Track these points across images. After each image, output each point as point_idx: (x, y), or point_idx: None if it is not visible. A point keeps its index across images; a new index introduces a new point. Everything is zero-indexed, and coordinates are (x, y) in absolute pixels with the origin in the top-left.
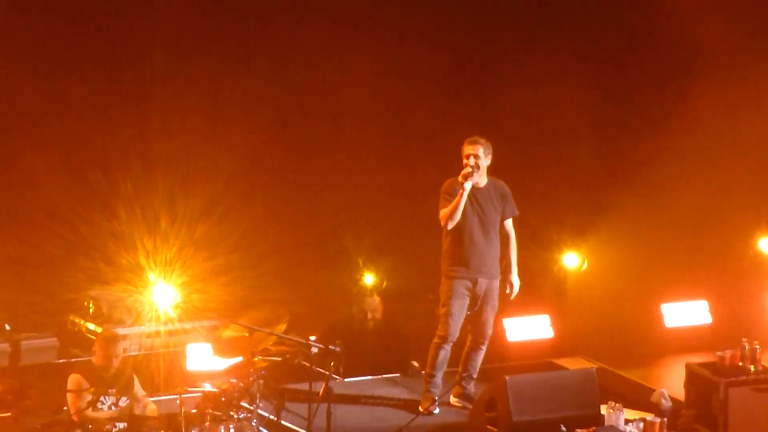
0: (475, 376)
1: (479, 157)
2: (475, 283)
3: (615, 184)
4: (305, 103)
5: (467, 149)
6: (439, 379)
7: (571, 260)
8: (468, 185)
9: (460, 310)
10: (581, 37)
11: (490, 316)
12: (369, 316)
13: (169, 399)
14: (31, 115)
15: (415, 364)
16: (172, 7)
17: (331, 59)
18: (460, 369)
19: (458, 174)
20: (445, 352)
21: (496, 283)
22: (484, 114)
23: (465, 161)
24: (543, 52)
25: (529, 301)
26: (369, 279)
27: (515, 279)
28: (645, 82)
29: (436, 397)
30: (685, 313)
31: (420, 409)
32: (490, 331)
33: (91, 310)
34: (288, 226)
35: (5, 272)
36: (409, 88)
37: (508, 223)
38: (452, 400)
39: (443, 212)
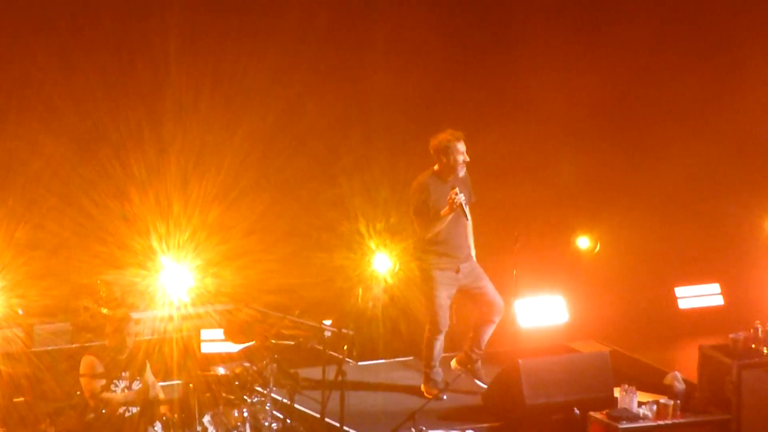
0: (482, 348)
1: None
2: (457, 270)
3: (628, 167)
4: (320, 86)
5: (460, 146)
6: (438, 368)
7: (585, 243)
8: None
9: (447, 300)
10: (595, 22)
11: (491, 289)
12: (370, 304)
13: (183, 383)
14: (44, 100)
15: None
16: None
17: (346, 42)
18: (470, 340)
19: (426, 172)
20: (440, 344)
21: (475, 261)
22: (497, 96)
23: (458, 163)
24: (556, 36)
25: (541, 283)
26: (382, 263)
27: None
28: (659, 64)
29: (439, 384)
30: (698, 296)
31: (426, 394)
32: (501, 304)
33: (104, 295)
34: (301, 210)
35: (18, 257)
36: (419, 74)
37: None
38: (453, 364)
39: (427, 227)
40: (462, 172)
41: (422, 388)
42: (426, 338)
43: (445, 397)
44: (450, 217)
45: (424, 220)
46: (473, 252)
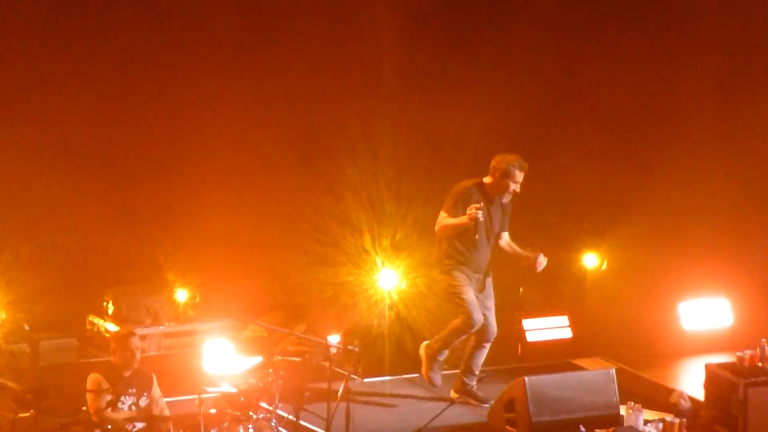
0: (477, 373)
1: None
2: (476, 280)
3: (634, 184)
4: (326, 102)
5: (519, 175)
6: (441, 360)
7: (591, 260)
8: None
9: (475, 295)
10: (607, 35)
11: (492, 314)
12: (375, 321)
13: (188, 399)
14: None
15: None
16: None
17: (351, 55)
18: (462, 366)
19: (475, 180)
20: (461, 339)
21: (490, 281)
22: (501, 114)
23: (509, 190)
24: (557, 47)
25: (548, 301)
26: (387, 279)
27: (540, 256)
28: (668, 82)
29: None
30: (705, 314)
31: (423, 376)
32: (495, 330)
33: (110, 311)
34: (306, 226)
35: (24, 272)
36: (430, 88)
37: (506, 235)
38: (452, 394)
39: (443, 224)
40: (507, 199)
41: (422, 369)
42: (456, 325)
43: (438, 382)
44: (465, 227)
45: (443, 223)
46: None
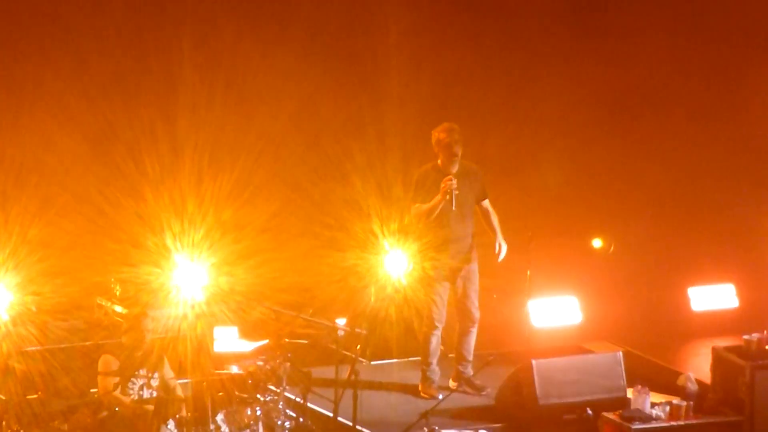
0: (470, 358)
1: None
2: (455, 268)
3: (643, 167)
4: (333, 85)
5: (456, 137)
6: (435, 366)
7: (599, 243)
8: (447, 197)
9: (444, 296)
10: (604, 22)
11: (474, 299)
12: (384, 303)
13: (196, 381)
14: (58, 98)
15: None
16: None
17: (357, 43)
18: (455, 354)
19: (429, 164)
20: (437, 339)
21: (475, 266)
22: (510, 95)
23: (453, 153)
24: (569, 36)
25: (555, 283)
26: (395, 262)
27: (502, 241)
28: (671, 64)
29: (435, 383)
30: (712, 297)
31: (422, 394)
32: (477, 314)
33: (118, 293)
34: (314, 209)
35: (33, 255)
36: (433, 72)
37: (486, 203)
38: (451, 383)
39: (420, 210)
40: (455, 166)
41: (419, 387)
42: (423, 334)
43: (441, 396)
44: (441, 204)
45: (418, 210)
46: (499, 233)
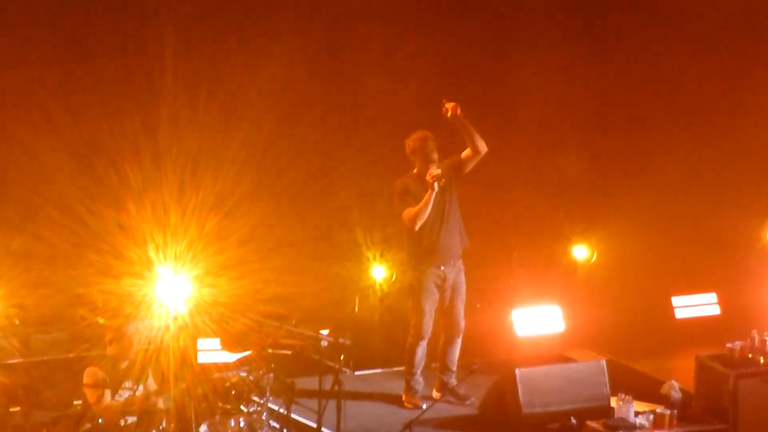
0: (454, 368)
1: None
2: (443, 278)
3: (625, 176)
4: (315, 96)
5: (430, 143)
6: (419, 376)
7: (581, 252)
8: (437, 186)
9: (431, 307)
10: (591, 27)
11: (461, 310)
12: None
13: (179, 393)
14: (40, 110)
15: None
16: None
17: (341, 53)
18: (438, 364)
19: (406, 175)
20: (422, 350)
21: (462, 276)
22: (494, 105)
23: (431, 159)
24: (550, 40)
25: (539, 292)
26: (379, 272)
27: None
28: (655, 73)
29: (419, 393)
30: (695, 305)
31: (406, 404)
32: (463, 324)
33: (100, 305)
34: (298, 220)
35: (15, 267)
36: (417, 82)
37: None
38: (434, 393)
39: (410, 212)
40: (436, 171)
41: (403, 397)
42: (408, 344)
43: (425, 406)
44: (432, 198)
45: (410, 212)
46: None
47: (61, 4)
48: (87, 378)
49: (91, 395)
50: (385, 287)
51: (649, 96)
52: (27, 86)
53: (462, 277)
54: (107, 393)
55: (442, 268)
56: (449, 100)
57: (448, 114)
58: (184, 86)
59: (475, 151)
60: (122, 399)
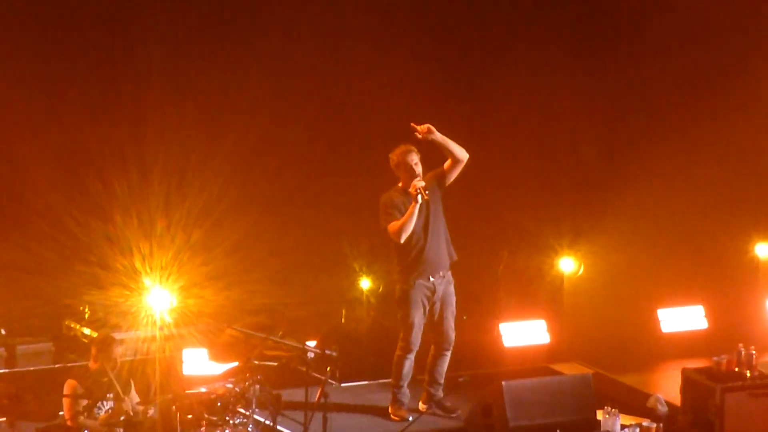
0: (441, 381)
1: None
2: (432, 290)
3: (611, 189)
4: (302, 107)
5: (414, 157)
6: (406, 388)
7: (568, 265)
8: (420, 199)
9: (420, 320)
10: (578, 40)
11: (451, 322)
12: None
13: (165, 404)
14: (27, 121)
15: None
16: (168, 11)
17: (327, 64)
18: (426, 377)
19: (392, 188)
20: (410, 363)
21: (452, 288)
22: (482, 116)
23: (415, 173)
24: (538, 54)
25: (525, 306)
26: (365, 283)
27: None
28: (643, 87)
29: (405, 405)
30: (682, 319)
31: (392, 416)
32: (453, 336)
33: (87, 315)
34: (284, 231)
35: (2, 277)
36: (404, 91)
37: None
38: (421, 406)
39: (395, 225)
40: (420, 183)
41: (389, 409)
42: (396, 356)
43: (411, 418)
44: (416, 209)
45: (395, 225)
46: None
47: (48, 15)
48: (66, 390)
49: (67, 410)
50: (372, 299)
51: (635, 110)
52: (13, 97)
53: (451, 289)
54: (85, 404)
55: (431, 279)
56: (417, 123)
57: (420, 137)
58: (170, 97)
59: (455, 160)
60: (102, 411)
